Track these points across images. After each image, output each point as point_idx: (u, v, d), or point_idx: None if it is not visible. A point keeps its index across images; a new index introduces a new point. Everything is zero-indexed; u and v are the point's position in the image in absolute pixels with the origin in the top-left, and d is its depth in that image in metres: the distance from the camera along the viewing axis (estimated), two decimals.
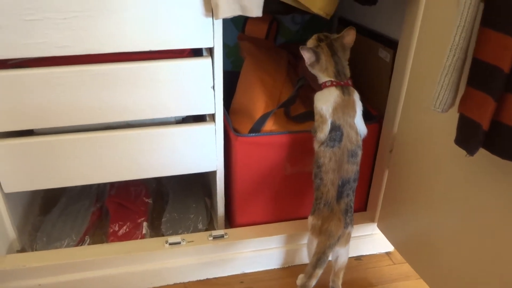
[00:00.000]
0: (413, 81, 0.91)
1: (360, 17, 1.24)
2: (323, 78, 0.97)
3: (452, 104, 0.67)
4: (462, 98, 0.68)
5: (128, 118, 0.96)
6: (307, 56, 0.96)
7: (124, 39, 0.86)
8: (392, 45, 1.05)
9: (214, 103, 0.98)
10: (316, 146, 0.96)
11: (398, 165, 1.00)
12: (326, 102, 0.94)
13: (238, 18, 1.07)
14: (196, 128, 1.01)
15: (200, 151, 1.03)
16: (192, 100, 0.97)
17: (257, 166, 1.05)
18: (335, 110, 0.93)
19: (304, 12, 1.35)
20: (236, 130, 1.03)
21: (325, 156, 0.93)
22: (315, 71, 0.98)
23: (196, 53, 0.97)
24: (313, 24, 1.36)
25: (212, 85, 0.96)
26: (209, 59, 0.93)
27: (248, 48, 1.17)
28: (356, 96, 0.95)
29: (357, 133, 0.93)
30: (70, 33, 0.83)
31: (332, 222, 0.91)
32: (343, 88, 0.94)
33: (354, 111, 0.94)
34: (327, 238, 0.90)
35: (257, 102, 1.06)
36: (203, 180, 1.33)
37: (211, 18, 0.88)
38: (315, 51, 0.96)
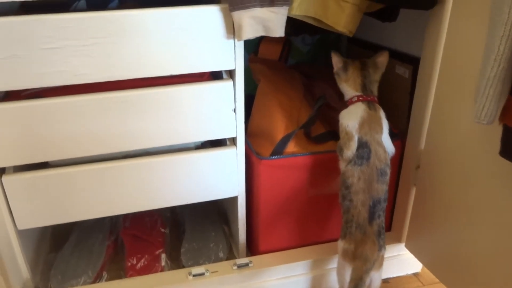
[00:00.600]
0: (440, 96, 0.90)
1: (372, 35, 1.24)
2: (349, 92, 0.95)
3: (496, 116, 0.65)
4: (504, 108, 0.66)
5: (149, 146, 0.93)
6: (335, 60, 0.95)
7: (145, 65, 0.84)
8: (410, 61, 1.04)
9: (235, 126, 0.96)
10: (342, 165, 0.93)
11: (426, 182, 0.97)
12: (352, 118, 0.92)
13: (249, 40, 1.06)
14: (217, 153, 0.97)
15: (221, 177, 1.00)
16: (213, 124, 0.94)
17: (281, 190, 1.01)
18: (361, 125, 0.91)
19: (315, 33, 1.36)
20: (258, 153, 1.00)
21: (354, 175, 0.90)
22: (341, 81, 0.97)
23: (214, 76, 0.95)
24: (323, 44, 1.35)
25: (233, 108, 0.93)
26: (231, 82, 0.91)
27: (261, 71, 1.15)
28: (382, 114, 0.93)
29: (385, 151, 0.91)
30: (90, 60, 0.80)
31: (367, 246, 0.87)
32: (369, 103, 0.93)
33: (381, 128, 0.92)
34: (363, 263, 0.87)
35: (277, 124, 1.03)
36: (219, 207, 1.29)
37: (232, 40, 0.86)
38: (344, 59, 0.96)
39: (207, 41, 0.85)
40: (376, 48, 1.20)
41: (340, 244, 0.92)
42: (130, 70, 0.84)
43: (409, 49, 1.07)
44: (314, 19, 0.89)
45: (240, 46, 0.88)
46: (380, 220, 0.89)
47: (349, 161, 0.91)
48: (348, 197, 0.90)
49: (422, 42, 0.94)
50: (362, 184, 0.89)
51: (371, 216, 0.88)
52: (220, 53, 0.87)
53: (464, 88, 0.83)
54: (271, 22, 0.82)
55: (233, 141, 1.00)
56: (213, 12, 0.83)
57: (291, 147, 1.00)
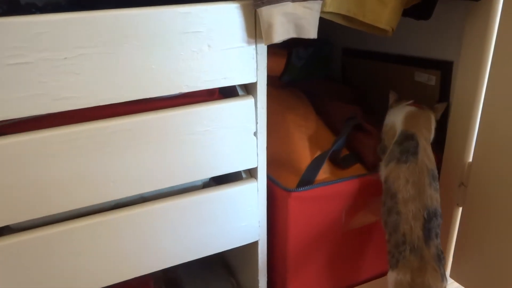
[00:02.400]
0: (492, 101, 0.78)
1: (371, 43, 1.12)
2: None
3: None
4: None
5: (150, 188, 0.71)
6: (392, 96, 0.91)
7: (148, 82, 0.64)
8: (435, 66, 0.93)
9: (256, 154, 0.77)
10: (383, 170, 0.77)
11: (476, 201, 0.85)
12: (397, 114, 0.82)
13: None
14: (233, 190, 0.78)
15: (238, 219, 0.80)
16: (230, 154, 0.75)
17: (313, 226, 0.83)
18: (407, 118, 0.79)
19: (307, 46, 1.22)
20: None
21: (399, 177, 0.73)
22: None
23: (224, 93, 0.76)
24: (316, 58, 1.22)
25: (254, 130, 0.75)
26: (251, 99, 0.73)
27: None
28: (432, 116, 0.83)
29: (432, 152, 0.77)
30: (74, 79, 0.58)
31: (427, 275, 0.69)
32: (418, 107, 0.84)
33: (430, 127, 0.80)
34: None
35: (298, 148, 0.86)
36: (223, 255, 1.07)
37: (254, 46, 0.69)
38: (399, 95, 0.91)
39: (223, 47, 0.67)
40: (377, 57, 1.10)
41: (391, 276, 0.72)
42: (129, 90, 0.63)
43: (428, 53, 0.95)
44: (344, 18, 0.74)
45: (263, 54, 0.70)
46: (438, 242, 0.72)
47: (391, 159, 0.75)
48: (395, 208, 0.72)
49: (448, 44, 0.84)
50: (412, 188, 0.72)
51: (428, 234, 0.70)
52: (238, 63, 0.69)
53: None
54: (304, 20, 0.66)
55: (250, 173, 0.81)
56: (231, 10, 0.65)
57: (320, 174, 0.84)
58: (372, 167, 0.87)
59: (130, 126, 0.65)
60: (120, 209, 0.71)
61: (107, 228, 0.70)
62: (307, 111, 0.94)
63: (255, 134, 0.75)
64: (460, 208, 0.90)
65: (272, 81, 1.04)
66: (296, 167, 0.85)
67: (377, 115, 0.97)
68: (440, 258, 0.71)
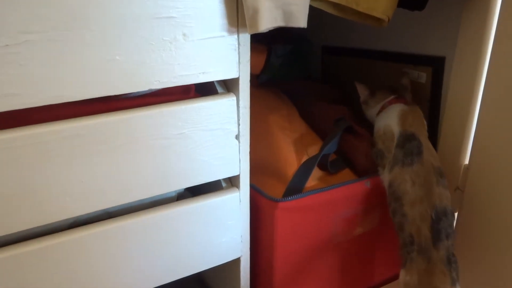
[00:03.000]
0: (491, 100, 0.72)
1: (353, 41, 1.06)
2: (380, 104, 0.81)
3: None
4: None
5: (116, 203, 0.61)
6: (361, 88, 0.85)
7: (111, 76, 0.53)
8: (425, 62, 0.87)
9: (238, 160, 0.68)
10: (386, 176, 0.72)
11: (473, 207, 0.79)
12: (389, 117, 0.76)
13: None
14: (212, 201, 0.68)
15: (217, 235, 0.70)
16: (209, 161, 0.65)
17: (302, 239, 0.74)
18: (403, 118, 0.74)
19: (285, 43, 1.14)
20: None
21: (405, 180, 0.68)
22: (369, 108, 0.84)
23: (201, 90, 0.67)
24: (294, 56, 1.14)
25: (236, 133, 0.66)
26: (233, 97, 0.63)
27: None
28: (421, 113, 0.78)
29: (435, 150, 0.73)
30: (17, 71, 0.47)
31: (435, 278, 0.64)
32: (405, 104, 0.79)
33: (425, 122, 0.76)
34: None
35: (284, 153, 0.78)
36: (200, 273, 0.96)
37: (235, 35, 0.60)
38: (369, 86, 0.86)
39: (200, 36, 0.57)
40: (360, 54, 1.03)
41: (402, 275, 0.68)
42: (87, 85, 0.52)
43: (418, 48, 0.89)
44: (335, 7, 0.67)
45: (246, 45, 0.61)
46: (450, 243, 0.66)
47: (395, 163, 0.70)
48: (400, 211, 0.68)
49: (440, 37, 0.79)
50: (418, 189, 0.67)
51: (436, 236, 0.65)
52: (218, 55, 0.60)
53: None
54: (294, 7, 0.58)
55: (231, 181, 0.72)
56: None
57: (309, 181, 0.75)
58: (363, 172, 0.79)
59: (89, 130, 0.55)
60: (79, 228, 0.60)
61: (63, 251, 0.58)
62: (290, 112, 0.86)
63: (237, 137, 0.66)
64: (456, 214, 0.84)
65: (251, 80, 0.96)
66: (282, 173, 0.76)
67: (363, 116, 0.90)
68: (451, 261, 0.66)
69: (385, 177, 0.73)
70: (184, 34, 0.56)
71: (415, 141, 0.71)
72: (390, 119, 0.77)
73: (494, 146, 0.73)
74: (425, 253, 0.65)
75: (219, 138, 0.64)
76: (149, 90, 0.58)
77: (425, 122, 0.77)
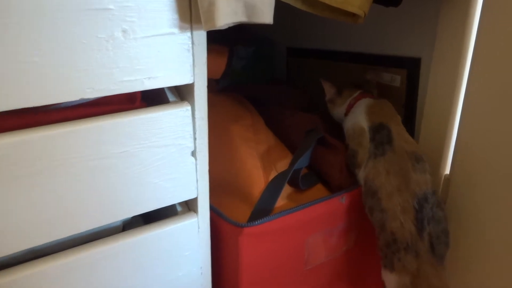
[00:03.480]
0: (474, 105, 0.66)
1: (320, 41, 0.98)
2: (345, 104, 0.77)
3: None
4: None
5: (42, 240, 0.49)
6: (328, 86, 0.80)
7: (31, 83, 0.42)
8: (398, 64, 0.80)
9: (195, 181, 0.57)
10: (362, 174, 0.67)
11: (455, 220, 0.72)
12: (356, 114, 0.72)
13: None
14: (166, 230, 0.57)
15: (173, 268, 0.60)
16: (160, 183, 0.54)
17: (271, 267, 0.65)
18: (369, 112, 0.70)
19: (247, 45, 1.05)
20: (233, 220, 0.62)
21: (379, 172, 0.63)
22: (335, 107, 0.78)
23: (149, 99, 0.56)
24: (257, 58, 1.05)
25: (192, 149, 0.55)
26: (188, 107, 0.53)
27: None
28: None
29: (410, 137, 0.68)
30: None
31: (428, 273, 0.60)
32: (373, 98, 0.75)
33: (396, 113, 0.71)
34: None
35: (248, 169, 0.68)
36: None
37: (189, 33, 0.50)
38: (336, 84, 0.80)
39: (144, 33, 0.47)
40: (329, 56, 0.96)
41: (391, 279, 0.62)
42: (1, 95, 0.40)
43: (391, 49, 0.82)
44: (305, 1, 0.58)
45: (201, 44, 0.51)
46: (431, 227, 0.61)
47: (368, 158, 0.66)
48: (378, 206, 0.63)
49: (415, 37, 0.72)
50: (394, 179, 0.62)
51: (420, 226, 0.60)
52: (168, 56, 0.49)
53: None
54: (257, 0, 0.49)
55: (187, 205, 0.61)
56: None
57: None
58: (338, 187, 0.71)
59: (5, 150, 0.43)
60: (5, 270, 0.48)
61: None
62: (256, 122, 0.76)
63: (194, 153, 0.56)
64: None
65: (209, 85, 0.86)
66: (247, 193, 0.67)
67: (333, 123, 0.82)
68: (433, 246, 0.61)
69: (361, 175, 0.67)
70: (124, 31, 0.46)
71: (384, 129, 0.66)
72: (358, 117, 0.72)
73: (477, 154, 0.67)
74: (412, 249, 0.60)
75: (171, 156, 0.54)
76: (81, 100, 0.47)
77: (395, 111, 0.72)
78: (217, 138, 0.73)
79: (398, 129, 0.68)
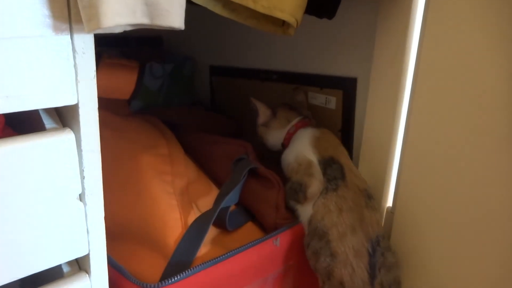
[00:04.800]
0: (415, 129, 0.59)
1: (247, 59, 0.89)
2: (283, 131, 0.68)
3: None
4: None
5: None
6: (263, 108, 0.70)
7: None
8: (332, 84, 0.72)
9: (86, 232, 0.43)
10: (307, 211, 0.58)
11: (400, 255, 0.65)
12: (299, 146, 0.63)
13: None
14: None
15: None
16: (36, 241, 0.40)
17: None
18: (316, 144, 0.62)
19: (164, 62, 0.93)
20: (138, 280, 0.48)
21: (329, 210, 0.55)
22: (270, 131, 0.69)
23: (16, 125, 0.42)
24: (176, 78, 0.93)
25: (79, 191, 0.42)
26: (71, 135, 0.40)
27: (104, 120, 0.65)
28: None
29: (359, 172, 0.61)
30: None
31: None
32: (314, 127, 0.67)
33: (340, 145, 0.64)
34: None
35: (162, 209, 0.55)
36: None
37: (67, 36, 0.37)
38: (271, 106, 0.72)
39: (4, 34, 0.33)
40: (256, 75, 0.87)
41: None
42: None
43: (322, 69, 0.75)
44: (225, 6, 0.48)
45: (87, 52, 0.38)
46: (383, 273, 0.53)
47: (320, 193, 0.57)
48: (327, 251, 0.53)
49: (350, 55, 0.66)
50: (348, 217, 0.54)
51: (373, 273, 0.52)
52: (40, 67, 0.36)
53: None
54: None
55: (78, 264, 0.47)
56: None
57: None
58: (271, 227, 0.61)
59: None
60: None
61: None
62: (172, 151, 0.63)
63: (82, 197, 0.42)
64: None
65: (116, 107, 0.72)
66: (161, 240, 0.53)
67: (264, 151, 0.72)
68: None
69: (305, 213, 0.58)
70: None
71: (335, 164, 0.59)
72: (302, 148, 0.63)
73: (422, 183, 0.60)
74: None
75: (49, 202, 0.40)
76: None
77: (340, 143, 0.65)
78: (123, 171, 0.60)
79: (348, 164, 0.61)
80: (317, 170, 0.59)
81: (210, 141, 0.70)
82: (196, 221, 0.54)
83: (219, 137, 0.71)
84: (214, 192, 0.61)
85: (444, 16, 0.53)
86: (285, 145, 0.68)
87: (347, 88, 0.69)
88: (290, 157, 0.63)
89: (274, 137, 0.70)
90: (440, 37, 0.54)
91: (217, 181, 0.65)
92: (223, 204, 0.55)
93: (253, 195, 0.61)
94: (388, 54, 0.61)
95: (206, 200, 0.59)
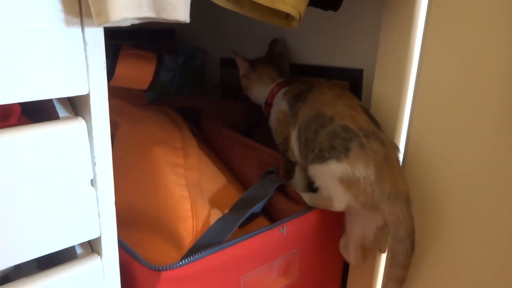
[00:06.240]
0: (420, 117, 0.60)
1: (255, 52, 0.90)
2: (266, 90, 0.74)
3: None
4: None
5: None
6: (240, 60, 0.77)
7: None
8: (342, 75, 0.73)
9: (97, 216, 0.46)
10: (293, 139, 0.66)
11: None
12: (280, 105, 0.70)
13: None
14: (62, 276, 0.45)
15: None
16: (49, 224, 0.42)
17: None
18: (297, 95, 0.69)
19: (176, 54, 0.95)
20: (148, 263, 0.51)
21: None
22: (252, 84, 0.76)
23: (31, 114, 0.44)
24: (188, 70, 0.95)
25: (91, 177, 0.44)
26: (82, 124, 0.42)
27: (120, 109, 0.67)
28: None
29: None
30: None
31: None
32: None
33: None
34: None
35: (174, 200, 0.57)
36: None
37: (78, 29, 0.39)
38: (248, 59, 0.78)
39: (17, 28, 0.36)
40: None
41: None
42: None
43: (328, 61, 0.76)
44: (230, 0, 0.49)
45: (97, 45, 0.40)
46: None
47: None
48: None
49: (357, 46, 0.67)
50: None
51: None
52: (52, 59, 0.38)
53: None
54: None
55: (90, 245, 0.49)
56: None
57: None
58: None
59: None
60: None
61: None
62: (186, 144, 0.65)
63: (93, 182, 0.44)
64: (384, 255, 0.71)
65: (134, 96, 0.75)
66: (172, 229, 0.56)
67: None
68: None
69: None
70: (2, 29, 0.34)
71: (304, 93, 0.66)
72: (283, 105, 0.70)
73: (426, 176, 0.61)
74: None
75: (63, 187, 0.42)
76: None
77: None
78: (139, 163, 0.62)
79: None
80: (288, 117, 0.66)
81: (241, 142, 0.72)
82: (221, 220, 0.56)
83: (252, 142, 0.72)
84: (228, 187, 0.63)
85: (448, 9, 0.54)
86: (268, 102, 0.73)
87: (353, 79, 0.70)
88: (272, 117, 0.71)
89: (257, 93, 0.75)
90: (444, 30, 0.54)
91: (241, 181, 0.68)
92: (254, 208, 0.59)
93: (278, 208, 0.63)
94: (393, 45, 0.61)
95: (217, 194, 0.61)
